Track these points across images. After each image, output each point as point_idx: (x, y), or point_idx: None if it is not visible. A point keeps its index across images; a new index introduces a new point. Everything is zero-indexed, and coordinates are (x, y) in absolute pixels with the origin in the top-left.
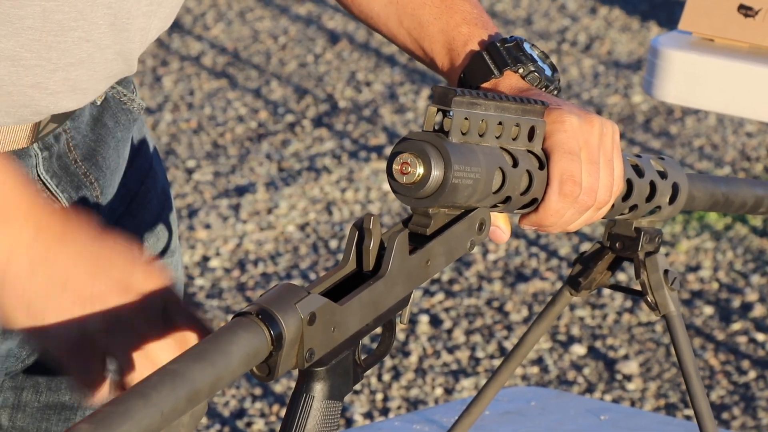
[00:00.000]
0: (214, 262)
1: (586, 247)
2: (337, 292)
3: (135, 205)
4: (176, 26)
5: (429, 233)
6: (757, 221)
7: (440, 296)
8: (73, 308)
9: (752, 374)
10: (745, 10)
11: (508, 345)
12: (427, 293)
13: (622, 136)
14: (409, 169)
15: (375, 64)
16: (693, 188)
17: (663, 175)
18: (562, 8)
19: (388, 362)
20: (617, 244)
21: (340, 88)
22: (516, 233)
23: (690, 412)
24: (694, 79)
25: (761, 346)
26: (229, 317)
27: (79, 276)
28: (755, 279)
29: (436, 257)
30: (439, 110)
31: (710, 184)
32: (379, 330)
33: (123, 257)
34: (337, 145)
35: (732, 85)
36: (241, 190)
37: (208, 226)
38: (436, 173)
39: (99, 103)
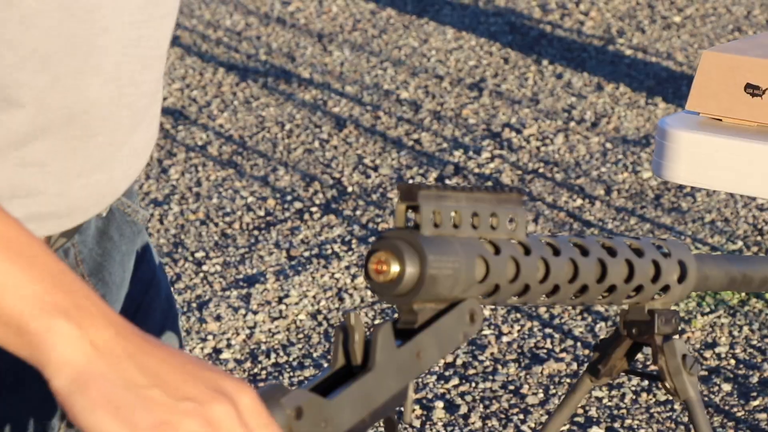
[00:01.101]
0: (225, 354)
1: (600, 326)
2: (327, 389)
3: (140, 315)
4: (181, 116)
5: (417, 327)
6: None
7: (455, 380)
8: (164, 407)
9: None
10: (752, 89)
11: (525, 429)
12: (442, 378)
13: (632, 212)
14: (384, 267)
15: (382, 148)
16: (704, 267)
17: (666, 254)
18: (567, 86)
19: None
20: (633, 330)
21: (347, 173)
22: (529, 314)
23: None
24: (703, 159)
25: None
26: None
27: (171, 374)
28: None
29: (426, 349)
30: (407, 207)
31: (724, 263)
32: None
33: (205, 363)
34: (346, 231)
35: (741, 165)
36: (250, 280)
37: (218, 318)
38: (411, 269)
39: (104, 215)
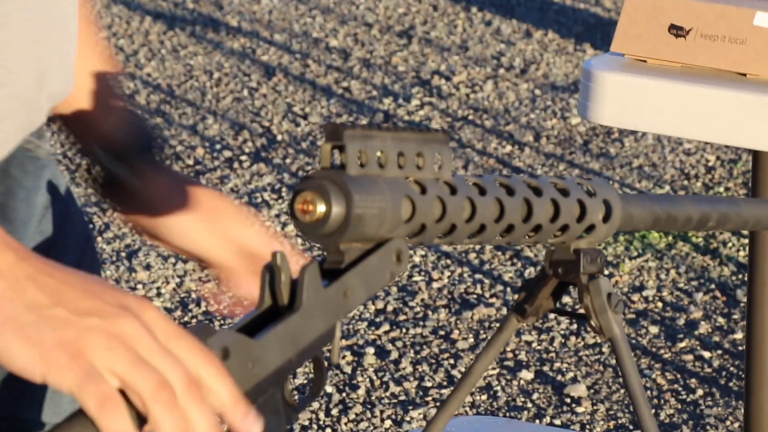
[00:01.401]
0: (155, 303)
1: (529, 271)
2: (254, 329)
3: (55, 252)
4: None
5: (343, 267)
6: (699, 239)
7: (386, 326)
8: (68, 324)
9: (700, 392)
10: (676, 30)
11: (456, 373)
12: (373, 324)
13: (561, 158)
14: (311, 207)
15: (311, 96)
16: (629, 206)
17: (591, 193)
18: (496, 33)
19: (336, 396)
20: (559, 270)
21: (277, 121)
22: (459, 260)
23: None
24: (629, 100)
25: (708, 363)
26: None
27: (73, 293)
28: (699, 297)
29: (354, 289)
30: (333, 147)
31: (648, 202)
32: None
33: (107, 283)
34: (276, 179)
35: (666, 105)
36: None
37: (148, 267)
38: (337, 208)
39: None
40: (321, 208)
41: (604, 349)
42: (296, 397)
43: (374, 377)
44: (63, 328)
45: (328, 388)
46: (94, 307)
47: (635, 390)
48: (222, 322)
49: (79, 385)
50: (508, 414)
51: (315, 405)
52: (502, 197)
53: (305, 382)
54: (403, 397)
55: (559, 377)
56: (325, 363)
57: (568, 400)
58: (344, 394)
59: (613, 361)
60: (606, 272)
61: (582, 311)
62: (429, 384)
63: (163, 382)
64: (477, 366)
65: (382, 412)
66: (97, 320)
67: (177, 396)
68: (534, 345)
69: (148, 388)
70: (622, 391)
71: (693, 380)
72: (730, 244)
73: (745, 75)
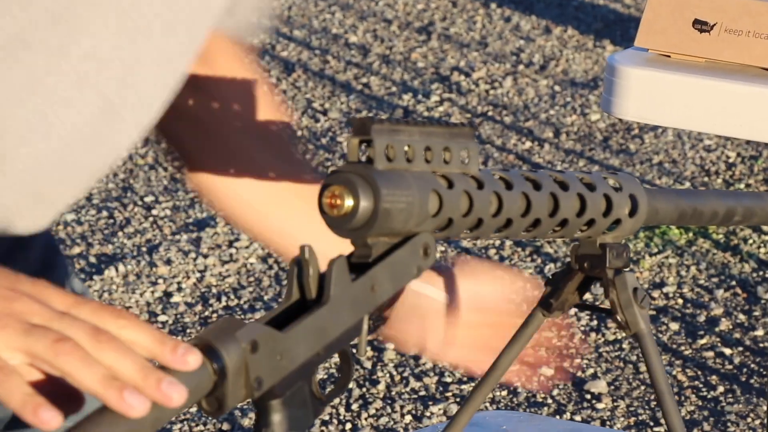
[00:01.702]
0: (176, 298)
1: (549, 267)
2: (282, 322)
3: (18, 251)
4: None
5: (371, 261)
6: (719, 235)
7: None
8: None
9: (720, 389)
10: (700, 26)
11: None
12: None
13: (580, 155)
14: (338, 201)
15: (331, 92)
16: (655, 201)
17: (617, 188)
18: (515, 29)
19: (356, 391)
20: (585, 264)
21: (297, 117)
22: (479, 256)
23: (660, 429)
24: (652, 95)
25: (728, 360)
26: None
27: None
28: (720, 293)
29: (381, 283)
30: (361, 141)
31: (674, 197)
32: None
33: (1, 272)
34: None
35: (689, 101)
36: (201, 224)
37: (168, 262)
38: (365, 202)
39: None
40: (349, 202)
41: (625, 345)
42: (323, 390)
43: (394, 372)
44: None
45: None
46: None
47: (661, 385)
48: (243, 317)
49: None
50: (528, 410)
51: (336, 400)
52: (528, 192)
53: (326, 377)
54: (423, 393)
55: (580, 373)
56: (352, 357)
57: (589, 396)
58: (365, 389)
59: (634, 358)
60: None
61: (607, 306)
62: (449, 380)
63: (60, 337)
64: (503, 360)
65: (402, 407)
66: None
67: (83, 347)
68: (554, 341)
69: (45, 346)
70: (643, 387)
71: (714, 377)
72: (750, 241)
73: None
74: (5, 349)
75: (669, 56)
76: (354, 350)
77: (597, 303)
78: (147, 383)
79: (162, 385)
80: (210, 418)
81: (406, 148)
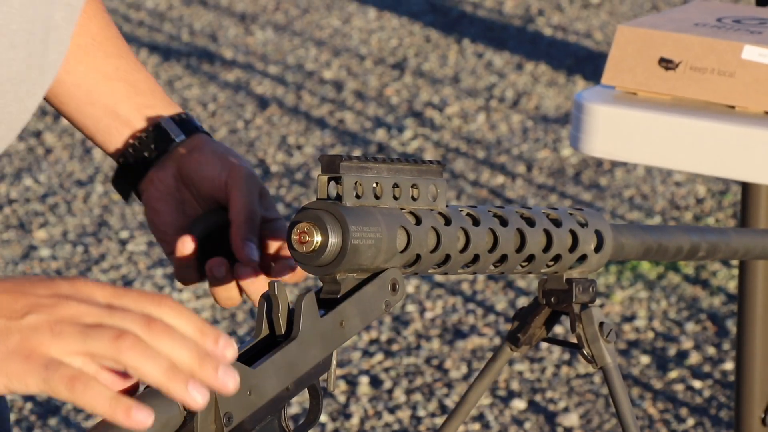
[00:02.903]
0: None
1: (522, 301)
2: (251, 358)
3: None
4: None
5: (340, 297)
6: (689, 269)
7: (380, 356)
8: (9, 332)
9: (690, 422)
10: (666, 63)
11: (449, 402)
12: (367, 354)
13: (552, 189)
14: (307, 238)
15: (305, 128)
16: (621, 236)
17: (583, 224)
18: (488, 65)
19: (330, 425)
20: (552, 299)
21: (271, 152)
22: (452, 290)
23: None
24: (619, 132)
25: (698, 393)
26: None
27: (3, 299)
28: (690, 327)
29: (350, 318)
30: (329, 178)
31: (639, 232)
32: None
33: (35, 278)
34: None
35: (657, 137)
36: None
37: None
38: (334, 239)
39: None
40: (317, 238)
41: (596, 379)
42: (292, 425)
43: (368, 406)
44: (6, 337)
45: (323, 417)
46: (27, 304)
47: (627, 419)
48: None
49: (44, 381)
50: None
51: None
52: (495, 227)
53: (299, 411)
54: (396, 426)
55: (552, 406)
56: (322, 392)
57: (561, 430)
58: (338, 423)
59: (605, 391)
60: (598, 302)
61: (574, 340)
62: (422, 413)
63: (120, 333)
64: (471, 395)
65: None
66: (35, 317)
67: (142, 339)
68: (526, 374)
69: (107, 344)
70: (614, 420)
71: (684, 410)
72: (720, 275)
73: (733, 107)
74: (67, 356)
75: (635, 93)
76: (323, 385)
77: (565, 337)
78: (204, 371)
79: (219, 372)
80: None
81: (374, 184)
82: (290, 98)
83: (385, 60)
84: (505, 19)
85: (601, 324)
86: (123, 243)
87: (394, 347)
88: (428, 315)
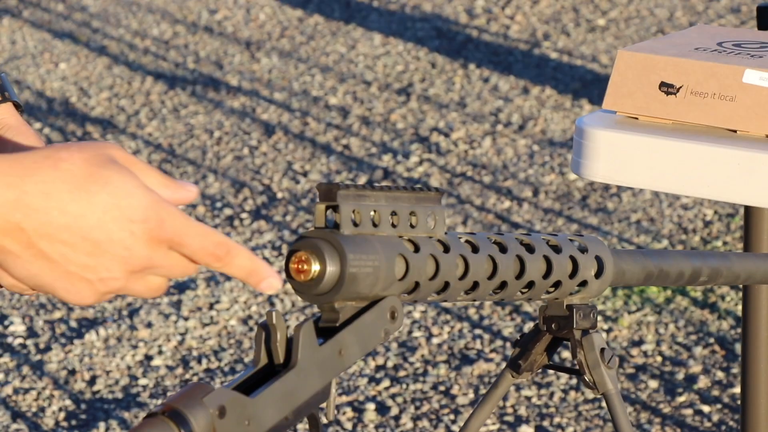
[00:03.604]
0: (157, 361)
1: (529, 326)
2: (250, 387)
3: None
4: (110, 125)
5: (338, 325)
6: (697, 293)
7: (386, 382)
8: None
9: None
10: (667, 88)
11: (456, 429)
12: (373, 380)
13: (559, 213)
14: (305, 267)
15: (311, 154)
16: (621, 262)
17: (583, 250)
18: (494, 89)
19: None
20: (552, 325)
21: (277, 179)
22: (459, 316)
23: None
24: (621, 157)
25: (707, 417)
26: None
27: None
28: (698, 351)
29: (348, 347)
30: (327, 207)
31: (640, 258)
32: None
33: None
34: (277, 236)
35: (658, 162)
36: (181, 287)
37: (149, 325)
38: (332, 267)
39: None
40: (315, 267)
41: (604, 404)
42: None
43: None
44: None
45: None
46: (114, 288)
47: None
48: (223, 379)
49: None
50: None
51: None
52: (494, 254)
53: None
54: None
55: None
56: (321, 421)
57: None
58: None
59: None
60: (605, 326)
61: (576, 366)
62: None
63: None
64: (473, 421)
65: None
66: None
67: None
68: (534, 400)
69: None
70: None
71: None
72: (728, 298)
73: (735, 131)
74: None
75: (636, 118)
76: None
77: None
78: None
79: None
80: None
81: (372, 213)
82: (296, 125)
83: (390, 85)
84: (510, 44)
85: (602, 350)
86: None
87: (401, 373)
88: (435, 340)
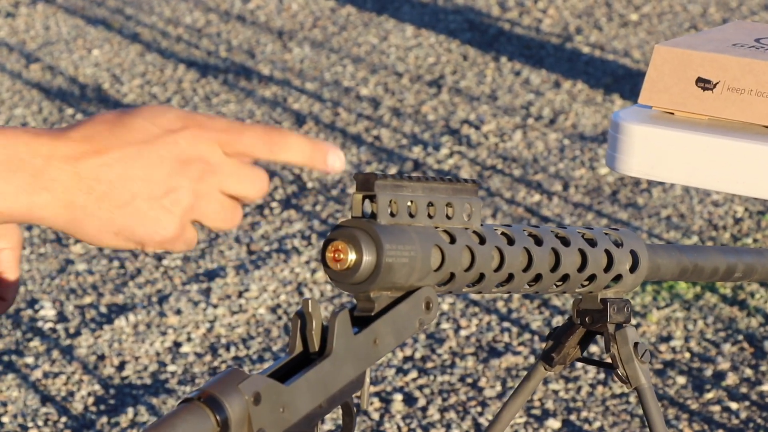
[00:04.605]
0: (185, 348)
1: (557, 320)
2: (285, 375)
3: None
4: None
5: (373, 314)
6: (726, 290)
7: (414, 374)
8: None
9: None
10: (703, 84)
11: (483, 421)
12: (401, 371)
13: (589, 208)
14: (342, 256)
15: (341, 144)
16: (656, 257)
17: (618, 244)
18: (525, 83)
19: None
20: (586, 319)
21: (307, 169)
22: (488, 308)
23: None
24: (656, 152)
25: (735, 414)
26: None
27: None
28: (726, 347)
29: (383, 336)
30: (364, 196)
31: (676, 253)
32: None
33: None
34: (306, 225)
35: (693, 158)
36: (211, 275)
37: (178, 312)
38: (368, 257)
39: None
40: (352, 256)
41: (632, 399)
42: None
43: (402, 424)
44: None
45: None
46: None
47: None
48: (252, 368)
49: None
50: None
51: None
52: (530, 247)
53: (333, 428)
54: None
55: (587, 426)
56: (355, 409)
57: None
58: None
59: (640, 411)
60: (633, 322)
61: (609, 360)
62: (456, 431)
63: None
64: (504, 414)
65: None
66: (176, 189)
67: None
68: (561, 394)
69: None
70: None
71: (720, 431)
72: (758, 296)
73: None
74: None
75: (672, 113)
76: (357, 402)
77: (602, 357)
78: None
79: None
80: None
81: (409, 203)
82: (327, 115)
83: (422, 77)
84: (542, 37)
85: (636, 344)
86: (159, 258)
87: (429, 365)
88: (463, 333)
